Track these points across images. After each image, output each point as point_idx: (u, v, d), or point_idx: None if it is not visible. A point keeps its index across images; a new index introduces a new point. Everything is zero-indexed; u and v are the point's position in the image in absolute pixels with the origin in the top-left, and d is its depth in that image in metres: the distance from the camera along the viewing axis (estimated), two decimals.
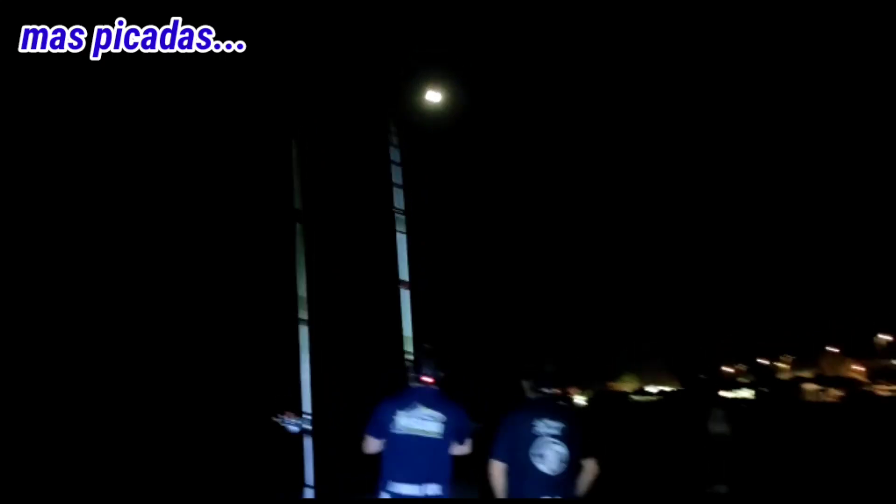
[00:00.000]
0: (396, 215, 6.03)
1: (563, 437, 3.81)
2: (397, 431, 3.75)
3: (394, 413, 3.78)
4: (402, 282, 5.90)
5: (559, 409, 3.96)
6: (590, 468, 3.95)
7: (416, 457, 3.72)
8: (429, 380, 3.90)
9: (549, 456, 3.77)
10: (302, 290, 5.04)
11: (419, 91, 6.47)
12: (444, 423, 3.79)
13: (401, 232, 6.00)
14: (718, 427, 9.99)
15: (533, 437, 3.80)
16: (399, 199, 6.04)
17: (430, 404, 3.81)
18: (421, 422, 3.77)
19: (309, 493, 5.45)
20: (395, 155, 6.13)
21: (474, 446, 3.99)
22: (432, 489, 3.69)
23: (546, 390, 3.97)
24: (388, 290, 6.01)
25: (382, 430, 3.80)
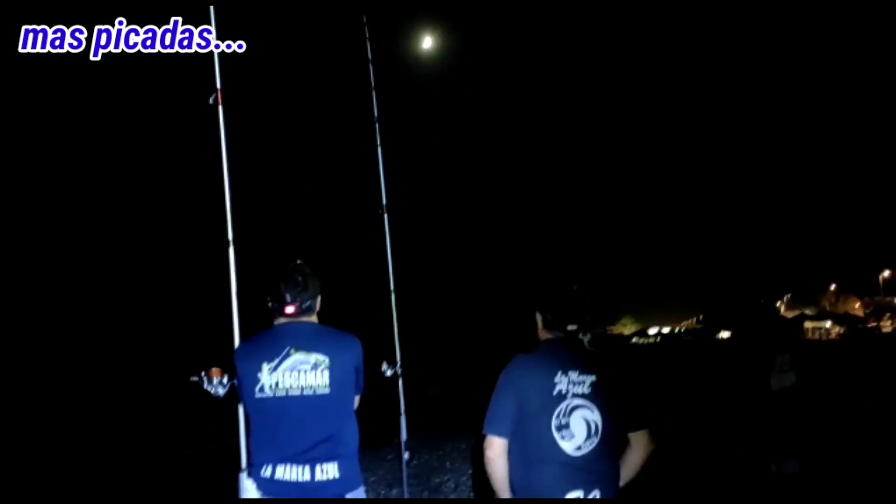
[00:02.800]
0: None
1: (597, 398, 2.56)
2: (264, 395, 2.71)
3: (258, 370, 2.70)
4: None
5: (591, 355, 2.66)
6: (640, 445, 2.67)
7: (295, 424, 2.71)
8: (291, 310, 2.76)
9: (577, 427, 2.52)
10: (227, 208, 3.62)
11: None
12: (329, 368, 2.73)
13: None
14: (782, 381, 7.25)
15: (553, 399, 2.54)
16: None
17: (305, 346, 2.74)
18: (296, 375, 2.70)
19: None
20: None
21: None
22: (328, 470, 2.69)
23: (572, 327, 2.65)
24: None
25: (246, 396, 2.78)
